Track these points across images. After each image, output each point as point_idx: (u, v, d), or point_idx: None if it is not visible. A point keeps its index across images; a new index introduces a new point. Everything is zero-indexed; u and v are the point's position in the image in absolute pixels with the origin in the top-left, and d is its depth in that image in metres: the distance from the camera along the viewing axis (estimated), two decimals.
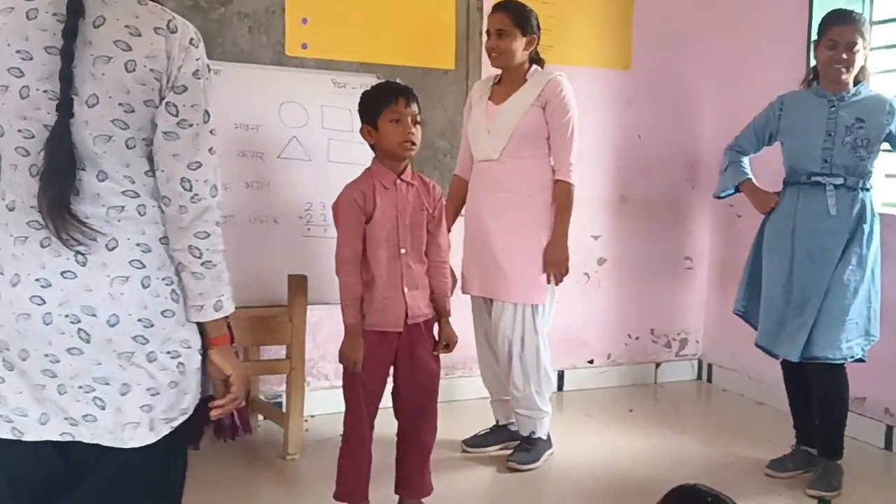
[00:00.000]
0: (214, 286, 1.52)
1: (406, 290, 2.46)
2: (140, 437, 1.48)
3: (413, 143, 2.42)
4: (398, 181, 2.47)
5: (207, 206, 1.49)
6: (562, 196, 3.03)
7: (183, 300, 1.51)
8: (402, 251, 2.46)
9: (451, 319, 2.61)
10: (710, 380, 4.36)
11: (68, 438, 1.46)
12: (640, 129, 4.19)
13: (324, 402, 3.44)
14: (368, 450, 2.50)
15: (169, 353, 1.49)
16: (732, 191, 3.20)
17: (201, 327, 1.55)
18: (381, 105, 2.42)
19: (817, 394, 3.00)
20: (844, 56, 2.86)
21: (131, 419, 1.47)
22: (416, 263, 2.50)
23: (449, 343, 2.58)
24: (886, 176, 3.27)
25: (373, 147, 2.50)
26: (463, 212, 3.24)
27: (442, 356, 2.60)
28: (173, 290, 1.50)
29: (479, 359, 3.28)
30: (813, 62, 3.10)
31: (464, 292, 3.17)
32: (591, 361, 4.19)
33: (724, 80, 4.23)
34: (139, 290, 1.46)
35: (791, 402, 3.15)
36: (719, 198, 3.33)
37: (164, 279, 1.49)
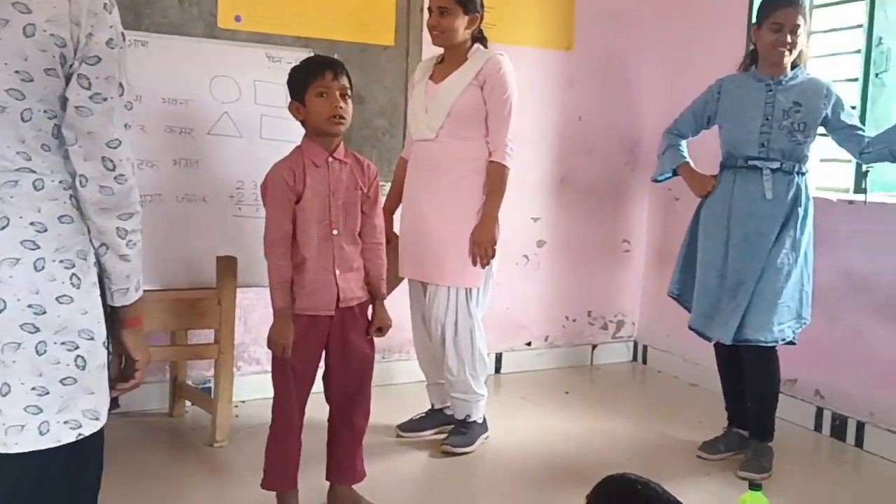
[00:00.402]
0: (137, 266, 1.45)
1: (338, 272, 2.39)
2: (26, 442, 1.35)
3: (342, 118, 2.34)
4: (330, 159, 2.38)
5: (132, 185, 1.42)
6: (494, 177, 2.98)
7: (87, 285, 1.41)
8: (335, 232, 2.39)
9: (387, 301, 2.55)
10: (644, 361, 4.39)
11: None
12: (581, 110, 4.17)
13: (255, 386, 3.35)
14: (298, 437, 2.43)
15: (64, 344, 1.37)
16: (670, 174, 3.20)
17: (114, 314, 1.46)
18: (307, 79, 2.34)
19: (750, 376, 3.04)
20: (788, 39, 2.86)
21: (14, 422, 1.34)
22: (350, 245, 2.43)
23: (382, 327, 2.51)
24: (821, 161, 3.31)
25: (303, 123, 2.41)
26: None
27: (377, 339, 2.54)
28: (73, 274, 1.38)
29: (416, 342, 3.22)
30: (751, 46, 3.11)
31: (399, 276, 3.10)
32: (528, 344, 4.19)
33: (665, 62, 4.23)
34: (30, 274, 1.34)
35: (724, 385, 3.18)
36: (657, 181, 3.33)
37: (62, 262, 1.37)
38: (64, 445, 1.38)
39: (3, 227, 1.33)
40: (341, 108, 2.33)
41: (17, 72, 1.31)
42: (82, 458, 1.44)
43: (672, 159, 3.15)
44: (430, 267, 3.01)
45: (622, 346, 4.45)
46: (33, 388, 1.35)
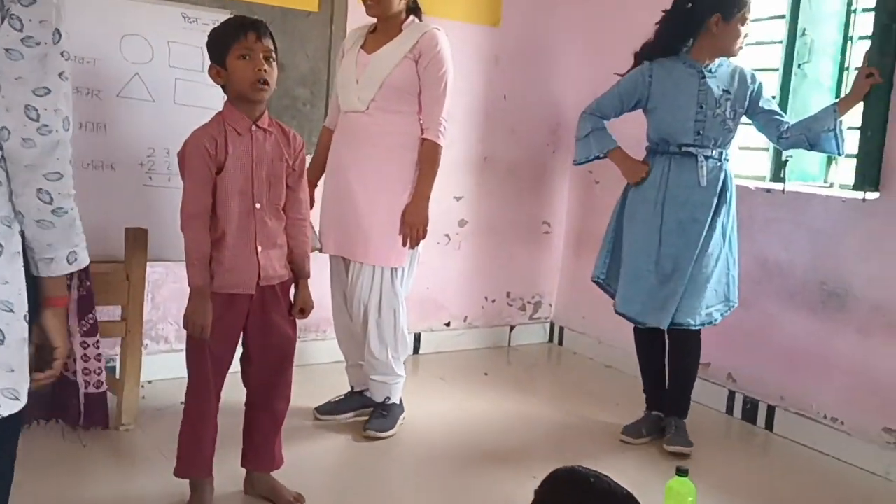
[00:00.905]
0: (67, 236, 1.33)
1: (259, 248, 2.25)
2: None
3: (266, 83, 2.19)
4: (254, 127, 2.23)
5: (59, 139, 1.28)
6: (427, 155, 2.89)
7: (9, 254, 1.27)
8: (257, 206, 2.24)
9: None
10: (561, 343, 4.41)
11: None
12: (506, 89, 4.12)
13: (163, 366, 3.18)
14: (213, 422, 2.30)
15: None
16: (594, 157, 3.16)
17: (38, 286, 1.32)
18: (228, 40, 2.19)
19: (674, 357, 3.10)
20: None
21: None
22: (273, 220, 2.29)
23: (305, 308, 2.39)
24: (740, 148, 3.35)
25: (224, 89, 2.26)
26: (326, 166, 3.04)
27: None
28: None
29: (335, 322, 3.11)
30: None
31: (321, 251, 2.98)
32: (447, 324, 4.13)
33: (588, 44, 4.22)
34: None
35: (644, 369, 3.21)
36: (579, 163, 3.25)
37: None
38: None
39: None
40: (265, 71, 2.19)
41: None
42: None
43: (600, 142, 3.10)
44: (356, 244, 2.90)
45: (539, 328, 4.45)
46: None
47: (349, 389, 3.16)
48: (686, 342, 3.08)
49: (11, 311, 1.28)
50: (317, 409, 3.09)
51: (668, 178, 2.98)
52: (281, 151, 2.30)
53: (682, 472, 2.19)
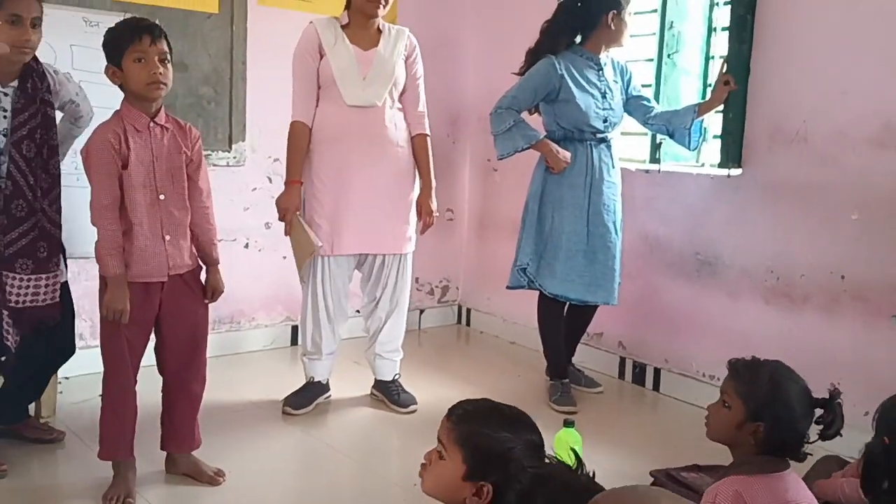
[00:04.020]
0: None
1: (167, 237, 2.39)
2: None
3: (162, 84, 2.31)
4: (151, 124, 2.36)
5: None
6: (426, 148, 3.17)
7: None
8: (161, 197, 2.37)
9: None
10: (468, 323, 4.64)
11: None
12: None
13: (79, 363, 3.22)
14: (133, 405, 2.43)
15: None
16: (521, 149, 3.26)
17: None
18: (123, 43, 2.29)
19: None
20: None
21: None
22: (179, 210, 2.42)
23: (215, 292, 2.54)
24: (622, 133, 3.63)
25: (121, 87, 2.37)
26: (318, 164, 3.06)
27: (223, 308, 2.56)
28: None
29: (313, 315, 3.15)
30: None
31: (332, 254, 3.06)
32: (358, 311, 4.29)
33: (485, 37, 4.44)
34: None
35: (555, 342, 3.43)
36: (504, 157, 3.32)
37: None
38: None
39: None
40: (160, 73, 2.29)
41: None
42: None
43: (526, 135, 3.23)
44: (384, 237, 3.12)
45: (448, 310, 4.68)
46: None
47: (309, 380, 3.25)
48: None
49: None
50: (288, 404, 3.16)
51: (593, 163, 3.26)
52: (179, 144, 2.42)
53: (568, 424, 2.44)
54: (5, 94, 2.42)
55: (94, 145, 2.31)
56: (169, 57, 2.34)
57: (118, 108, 2.37)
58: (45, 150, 2.47)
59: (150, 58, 2.28)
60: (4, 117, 2.42)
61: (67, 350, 2.72)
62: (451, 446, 1.53)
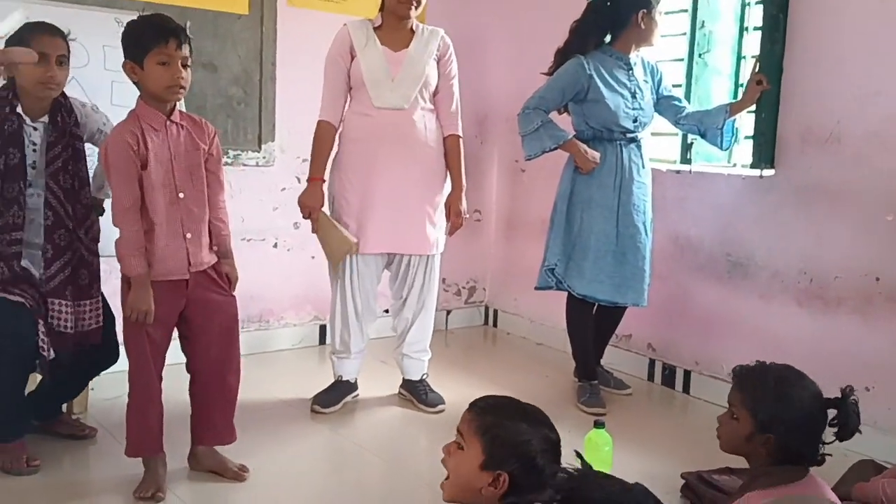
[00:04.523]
0: None
1: (188, 235, 2.39)
2: None
3: (182, 88, 2.31)
4: (168, 123, 2.35)
5: None
6: (458, 150, 3.16)
7: None
8: (181, 195, 2.37)
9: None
10: (495, 324, 4.63)
11: None
12: None
13: None
14: (158, 401, 2.43)
15: None
16: (549, 149, 3.24)
17: None
18: (149, 44, 2.26)
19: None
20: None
21: None
22: (198, 207, 2.42)
23: (231, 281, 2.55)
24: (653, 134, 3.61)
25: (136, 84, 2.34)
26: (347, 164, 3.09)
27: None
28: None
29: (342, 314, 3.17)
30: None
31: (361, 252, 3.07)
32: (386, 311, 4.29)
33: (513, 37, 4.42)
34: None
35: (584, 343, 3.40)
36: (531, 158, 3.30)
37: None
38: None
39: None
40: (182, 78, 2.29)
41: None
42: None
43: (554, 136, 3.21)
44: (412, 238, 3.12)
45: (475, 311, 4.67)
46: None
47: (338, 378, 3.27)
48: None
49: None
50: (316, 402, 3.18)
51: (623, 163, 3.23)
52: (195, 141, 2.41)
53: (599, 425, 2.42)
54: (35, 129, 2.50)
55: (113, 147, 2.29)
56: (190, 62, 2.34)
57: (133, 107, 2.35)
58: (76, 181, 2.53)
59: (175, 62, 2.27)
60: (34, 150, 2.50)
61: (111, 359, 2.75)
62: (471, 437, 1.59)
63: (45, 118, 2.51)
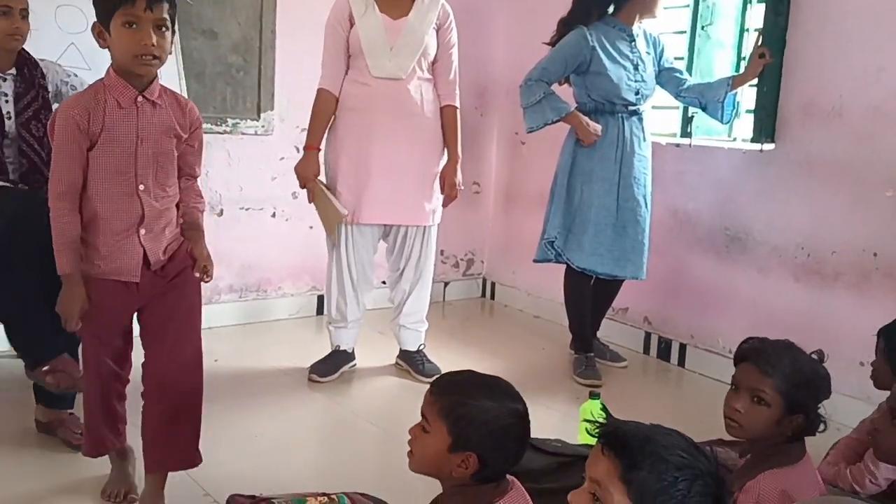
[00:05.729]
0: None
1: (143, 232, 2.01)
2: None
3: (155, 57, 1.90)
4: (140, 99, 1.95)
5: None
6: (454, 121, 3.14)
7: None
8: (141, 187, 1.98)
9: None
10: (493, 297, 4.64)
11: None
12: None
13: None
14: (110, 402, 2.17)
15: None
16: (551, 122, 3.23)
17: None
18: (114, 1, 1.86)
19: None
20: None
21: None
22: (160, 201, 2.03)
23: (207, 268, 2.10)
24: (653, 107, 3.58)
25: (109, 52, 1.96)
26: (343, 133, 3.06)
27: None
28: None
29: (338, 285, 3.18)
30: None
31: (356, 223, 3.08)
32: (384, 282, 4.30)
33: (513, 9, 4.39)
34: None
35: (581, 315, 3.41)
36: (533, 130, 3.29)
37: None
38: None
39: None
40: (152, 45, 1.87)
41: None
42: None
43: (556, 108, 3.20)
44: (409, 209, 3.11)
45: (472, 283, 4.68)
46: None
47: (336, 348, 3.28)
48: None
49: None
50: (313, 371, 3.19)
51: (624, 135, 3.22)
52: (171, 126, 2.03)
53: (594, 396, 2.44)
54: (4, 80, 2.58)
55: (59, 121, 1.94)
56: (168, 24, 1.91)
57: (103, 76, 1.98)
58: (48, 130, 2.51)
59: (144, 25, 1.86)
60: (6, 101, 2.57)
61: None
62: (435, 419, 1.52)
63: (13, 70, 2.59)
